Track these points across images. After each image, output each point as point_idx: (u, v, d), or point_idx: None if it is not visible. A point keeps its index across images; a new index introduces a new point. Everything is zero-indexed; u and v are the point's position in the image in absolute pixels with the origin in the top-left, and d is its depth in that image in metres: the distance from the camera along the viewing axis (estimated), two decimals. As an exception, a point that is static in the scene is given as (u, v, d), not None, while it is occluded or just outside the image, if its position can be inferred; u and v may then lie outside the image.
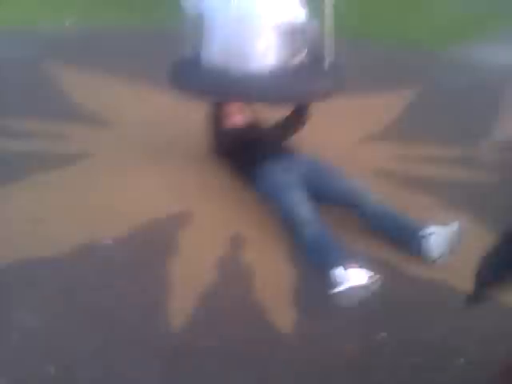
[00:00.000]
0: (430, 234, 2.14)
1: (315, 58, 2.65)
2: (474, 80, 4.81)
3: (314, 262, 2.06)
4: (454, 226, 2.11)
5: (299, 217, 2.17)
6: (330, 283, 1.88)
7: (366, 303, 1.85)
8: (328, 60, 2.62)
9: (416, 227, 2.20)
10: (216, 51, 2.47)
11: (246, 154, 2.58)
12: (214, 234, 2.27)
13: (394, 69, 4.93)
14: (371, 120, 3.64)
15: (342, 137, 3.34)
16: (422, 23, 7.42)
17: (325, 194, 2.40)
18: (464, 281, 1.91)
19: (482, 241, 2.10)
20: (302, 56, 2.61)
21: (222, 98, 2.65)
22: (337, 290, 1.84)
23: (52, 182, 2.54)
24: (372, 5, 6.73)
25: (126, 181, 2.60)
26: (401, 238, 2.23)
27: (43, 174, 2.61)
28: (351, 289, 1.83)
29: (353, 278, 1.86)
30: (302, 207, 2.22)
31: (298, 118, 2.88)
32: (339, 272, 1.90)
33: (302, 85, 2.57)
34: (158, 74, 3.92)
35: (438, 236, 2.13)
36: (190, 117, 3.08)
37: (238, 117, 2.79)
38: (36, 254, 2.06)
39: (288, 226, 2.22)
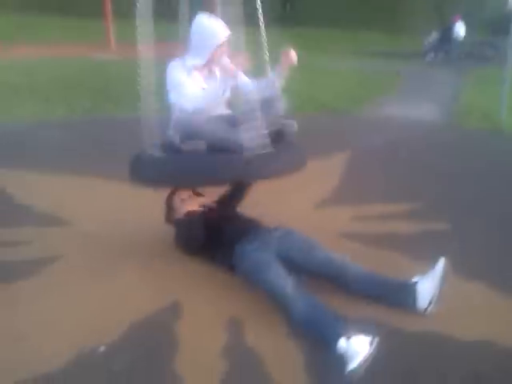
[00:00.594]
0: (415, 284, 2.24)
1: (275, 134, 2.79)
2: (389, 135, 5.27)
3: (314, 336, 2.08)
4: (438, 268, 2.23)
5: (286, 294, 2.18)
6: (338, 356, 1.91)
7: (371, 369, 1.87)
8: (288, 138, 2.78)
9: (399, 281, 2.31)
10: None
11: (216, 239, 2.56)
12: (210, 323, 2.22)
13: (318, 135, 5.26)
14: (318, 185, 3.84)
15: (296, 204, 3.48)
16: (329, 89, 8.09)
17: (303, 266, 2.43)
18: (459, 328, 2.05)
19: (454, 287, 2.31)
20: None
21: (179, 184, 2.67)
22: (351, 367, 1.87)
23: (24, 294, 2.37)
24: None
25: (103, 282, 2.49)
26: (387, 294, 2.30)
27: (12, 285, 2.43)
28: (362, 361, 1.88)
29: (358, 348, 1.90)
30: (287, 283, 2.22)
31: (241, 191, 2.92)
32: (344, 344, 1.93)
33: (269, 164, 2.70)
34: (104, 164, 3.95)
35: (423, 284, 2.23)
36: (148, 205, 3.07)
37: (191, 203, 2.79)
38: (27, 375, 1.89)
39: (278, 303, 2.23)
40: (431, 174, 4.18)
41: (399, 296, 2.28)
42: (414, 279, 2.28)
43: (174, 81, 2.58)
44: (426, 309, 2.23)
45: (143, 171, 2.55)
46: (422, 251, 2.72)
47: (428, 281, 2.25)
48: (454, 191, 3.80)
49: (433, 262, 2.29)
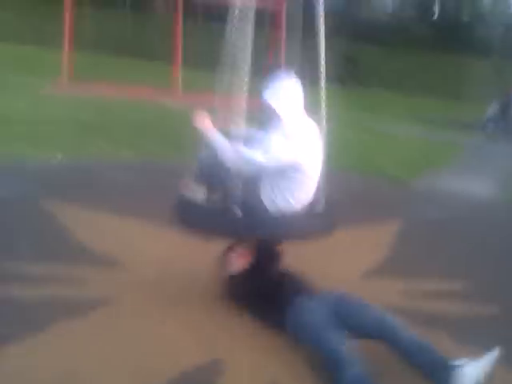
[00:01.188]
0: (458, 368, 2.16)
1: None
2: (444, 209, 5.21)
3: None
4: (488, 357, 2.17)
5: (341, 359, 2.18)
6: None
7: None
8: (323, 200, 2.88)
9: (447, 360, 2.23)
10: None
11: (272, 295, 2.63)
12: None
13: (372, 199, 5.28)
14: (367, 253, 3.84)
15: (342, 273, 3.46)
16: (386, 154, 8.13)
17: (358, 329, 2.43)
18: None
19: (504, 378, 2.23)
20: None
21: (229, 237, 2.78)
22: None
23: (77, 331, 2.49)
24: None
25: (149, 330, 2.58)
26: (433, 371, 2.24)
27: (66, 322, 2.55)
28: None
29: None
30: (343, 348, 2.22)
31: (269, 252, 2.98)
32: None
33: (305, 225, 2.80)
34: (159, 209, 4.09)
35: (467, 369, 2.16)
36: (202, 254, 3.17)
37: (244, 259, 2.87)
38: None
39: (328, 367, 2.21)
40: (486, 252, 4.09)
41: (440, 375, 2.21)
42: (459, 362, 2.20)
43: None
44: None
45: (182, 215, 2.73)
46: (472, 336, 2.68)
47: (474, 367, 2.17)
48: (506, 273, 3.70)
49: (484, 349, 2.22)
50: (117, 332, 2.54)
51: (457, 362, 2.21)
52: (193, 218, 2.79)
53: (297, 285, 2.72)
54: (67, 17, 12.28)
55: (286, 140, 2.64)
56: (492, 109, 13.91)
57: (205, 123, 2.74)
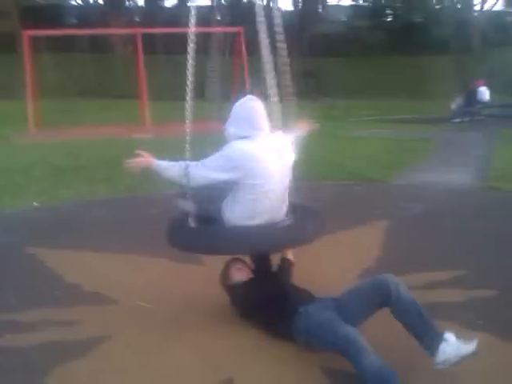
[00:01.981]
0: (442, 340, 2.24)
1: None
2: (424, 202, 5.29)
3: None
4: (470, 347, 2.20)
5: (361, 344, 2.19)
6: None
7: None
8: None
9: (435, 329, 2.30)
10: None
11: (275, 305, 2.62)
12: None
13: (353, 202, 5.33)
14: (360, 255, 3.85)
15: (340, 274, 3.47)
16: (358, 156, 8.24)
17: (362, 316, 2.48)
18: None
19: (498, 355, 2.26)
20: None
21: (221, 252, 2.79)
22: None
23: (80, 373, 2.41)
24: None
25: (156, 359, 2.52)
26: (418, 333, 2.33)
27: (68, 365, 2.47)
28: None
29: None
30: (359, 336, 2.24)
31: (288, 264, 3.08)
32: None
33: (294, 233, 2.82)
34: (143, 240, 4.07)
35: (449, 346, 2.22)
36: (193, 277, 3.15)
37: (245, 270, 2.92)
38: None
39: (349, 354, 2.21)
40: (471, 239, 4.15)
41: (426, 340, 2.29)
42: (447, 336, 2.26)
43: None
44: (439, 366, 2.23)
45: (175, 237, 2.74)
46: (470, 319, 2.74)
47: (454, 345, 2.22)
48: (496, 256, 3.75)
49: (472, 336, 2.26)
50: (118, 367, 2.47)
51: (446, 335, 2.26)
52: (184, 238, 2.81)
53: (298, 293, 2.73)
54: (27, 66, 12.26)
55: (230, 155, 2.69)
56: (456, 103, 14.32)
57: (141, 161, 2.87)
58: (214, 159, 2.73)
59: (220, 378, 2.35)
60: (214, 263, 3.02)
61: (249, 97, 2.91)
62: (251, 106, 2.84)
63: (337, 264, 3.62)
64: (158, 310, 3.02)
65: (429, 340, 2.28)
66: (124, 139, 10.75)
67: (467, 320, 2.77)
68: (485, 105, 14.19)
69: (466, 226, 4.52)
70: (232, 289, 2.86)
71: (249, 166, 2.68)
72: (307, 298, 2.67)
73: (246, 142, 2.74)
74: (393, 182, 6.55)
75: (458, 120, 13.90)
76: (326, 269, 3.49)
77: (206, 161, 2.74)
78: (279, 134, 2.95)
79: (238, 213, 2.74)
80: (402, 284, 2.47)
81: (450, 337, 2.26)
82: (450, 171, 7.14)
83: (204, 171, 2.71)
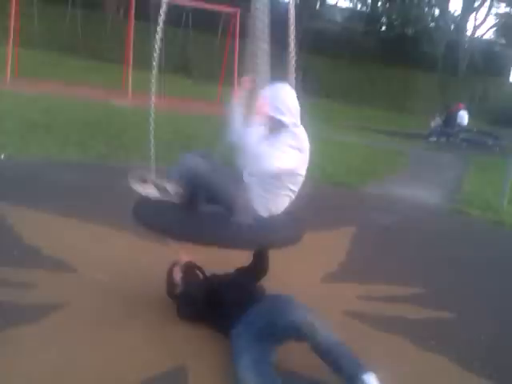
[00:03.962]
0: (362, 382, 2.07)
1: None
2: (394, 215, 5.37)
3: None
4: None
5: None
6: None
7: None
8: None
9: (357, 370, 2.12)
10: None
11: (214, 307, 2.57)
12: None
13: (325, 206, 5.35)
14: (325, 258, 3.87)
15: (303, 276, 3.48)
16: (335, 160, 8.28)
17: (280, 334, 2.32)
18: None
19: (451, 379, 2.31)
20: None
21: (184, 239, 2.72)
22: None
23: (27, 340, 2.34)
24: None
25: (107, 335, 2.46)
26: (341, 374, 2.16)
27: (14, 329, 2.40)
28: None
29: None
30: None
31: (261, 264, 2.90)
32: None
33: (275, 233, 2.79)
34: (110, 211, 3.99)
35: None
36: (160, 257, 3.09)
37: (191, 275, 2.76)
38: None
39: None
40: (432, 258, 4.23)
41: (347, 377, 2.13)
42: (367, 375, 2.08)
43: None
44: None
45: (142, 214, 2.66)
46: (423, 338, 2.77)
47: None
48: (456, 279, 3.84)
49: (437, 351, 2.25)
50: (70, 338, 2.41)
51: (365, 375, 2.09)
52: (159, 218, 2.72)
53: (241, 295, 2.60)
54: (13, 12, 11.79)
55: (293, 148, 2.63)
56: (435, 122, 14.58)
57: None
58: (281, 146, 2.62)
59: (171, 363, 2.32)
60: (177, 244, 2.96)
61: (285, 84, 2.82)
62: (294, 96, 2.77)
63: (300, 265, 3.62)
64: (116, 286, 2.95)
65: (348, 378, 2.12)
66: (103, 104, 10.52)
67: (420, 338, 2.81)
68: (462, 128, 14.49)
69: (430, 244, 4.60)
70: (178, 297, 2.69)
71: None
72: (248, 301, 2.52)
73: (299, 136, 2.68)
74: (366, 190, 6.62)
75: (434, 139, 14.17)
76: (288, 270, 3.48)
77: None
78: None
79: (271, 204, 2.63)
80: (318, 323, 2.24)
81: (371, 379, 2.08)
82: (420, 188, 7.27)
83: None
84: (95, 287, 2.91)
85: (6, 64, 11.37)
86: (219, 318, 2.55)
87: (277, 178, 2.68)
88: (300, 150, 2.68)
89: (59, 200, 4.24)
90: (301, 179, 2.68)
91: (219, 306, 2.56)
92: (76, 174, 5.14)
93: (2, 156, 5.43)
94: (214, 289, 2.64)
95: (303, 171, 2.70)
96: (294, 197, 2.70)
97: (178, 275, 2.71)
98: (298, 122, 2.73)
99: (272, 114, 2.72)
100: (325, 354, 2.21)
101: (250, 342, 2.29)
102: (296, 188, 2.68)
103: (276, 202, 2.67)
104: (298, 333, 2.25)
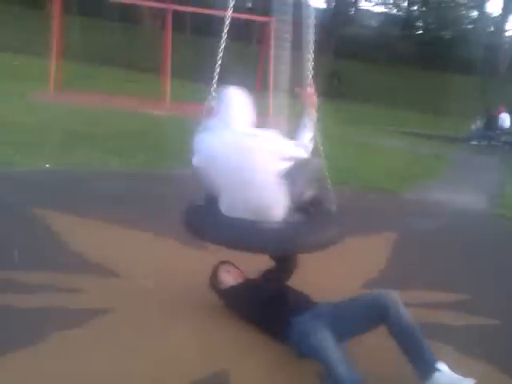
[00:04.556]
0: (436, 370, 2.17)
1: (315, 206, 2.85)
2: (435, 220, 5.26)
3: None
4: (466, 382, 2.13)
5: (330, 359, 2.17)
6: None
7: None
8: (330, 209, 2.86)
9: (431, 358, 2.22)
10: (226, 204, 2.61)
11: (268, 309, 2.60)
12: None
13: (365, 212, 5.29)
14: (365, 264, 3.83)
15: (343, 281, 3.45)
16: (373, 165, 8.20)
17: (353, 330, 2.45)
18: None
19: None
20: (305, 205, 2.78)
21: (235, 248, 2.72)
22: None
23: (76, 342, 2.42)
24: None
25: (152, 340, 2.52)
26: (412, 357, 2.26)
27: (65, 332, 2.48)
28: None
29: None
30: (331, 348, 2.22)
31: (286, 268, 2.92)
32: None
33: (310, 236, 2.73)
34: (153, 217, 4.07)
35: (443, 376, 2.15)
36: (201, 264, 3.13)
37: (235, 272, 2.86)
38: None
39: (325, 370, 2.19)
40: (476, 264, 4.12)
41: (420, 369, 2.22)
42: (441, 367, 2.18)
43: None
44: None
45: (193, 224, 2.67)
46: (467, 345, 2.71)
47: (449, 377, 2.16)
48: (499, 285, 3.73)
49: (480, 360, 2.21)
50: (115, 343, 2.47)
51: (442, 365, 2.19)
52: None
53: (294, 297, 2.68)
54: (55, 26, 12.21)
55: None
56: (476, 125, 14.23)
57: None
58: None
59: (214, 368, 2.34)
60: (217, 249, 2.98)
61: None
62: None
63: (341, 271, 3.61)
64: (160, 291, 3.01)
65: (422, 366, 2.22)
66: (142, 113, 10.76)
67: (464, 346, 2.74)
68: (504, 131, 14.10)
69: (472, 250, 4.49)
70: (225, 292, 2.80)
71: None
72: (304, 302, 2.63)
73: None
74: (405, 195, 6.52)
75: (475, 142, 13.82)
76: (329, 274, 3.48)
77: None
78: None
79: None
80: (402, 305, 2.38)
81: (445, 368, 2.19)
82: (462, 192, 7.09)
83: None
84: (140, 293, 2.98)
85: (50, 77, 11.78)
86: (269, 317, 2.57)
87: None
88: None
89: (103, 207, 4.34)
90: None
91: (267, 306, 2.60)
92: (118, 182, 5.27)
93: (48, 165, 5.63)
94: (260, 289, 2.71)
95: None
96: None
97: (223, 271, 2.80)
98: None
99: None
100: (407, 337, 2.28)
101: (316, 327, 2.33)
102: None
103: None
104: (385, 311, 2.33)
